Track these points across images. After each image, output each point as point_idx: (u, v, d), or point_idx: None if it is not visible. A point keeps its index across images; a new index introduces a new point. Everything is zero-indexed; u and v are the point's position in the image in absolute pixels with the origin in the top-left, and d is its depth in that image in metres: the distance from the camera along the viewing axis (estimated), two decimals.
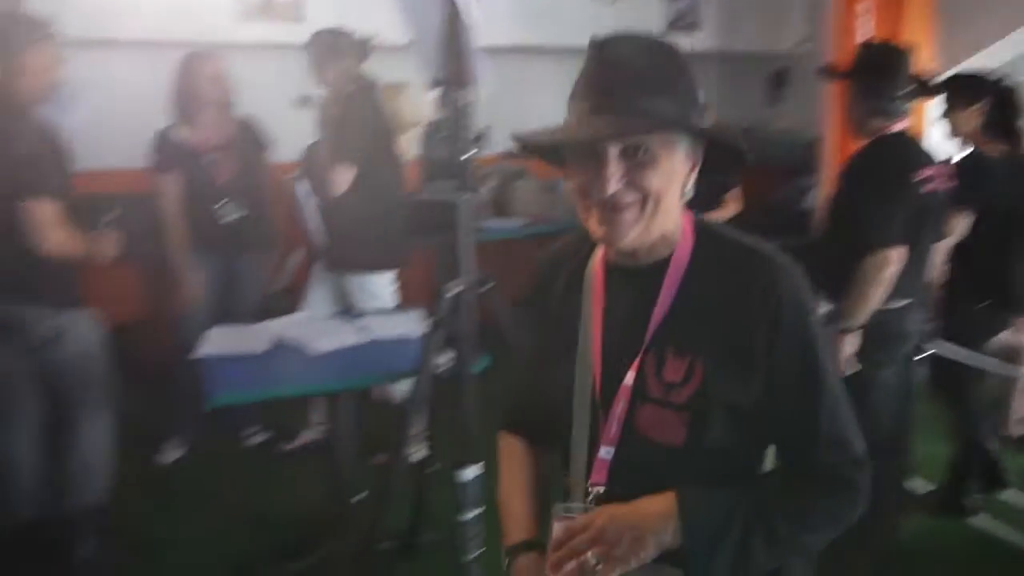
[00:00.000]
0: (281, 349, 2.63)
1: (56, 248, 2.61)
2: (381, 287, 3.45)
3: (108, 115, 3.62)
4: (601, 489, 1.20)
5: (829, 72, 2.96)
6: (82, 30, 3.49)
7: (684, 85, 1.14)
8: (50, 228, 2.59)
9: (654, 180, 1.13)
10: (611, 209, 1.13)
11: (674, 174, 1.15)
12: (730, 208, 4.05)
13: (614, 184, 1.12)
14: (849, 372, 2.57)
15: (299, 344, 2.63)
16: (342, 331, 2.75)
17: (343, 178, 3.22)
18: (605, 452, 1.21)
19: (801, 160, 5.08)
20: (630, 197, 1.13)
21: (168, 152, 3.45)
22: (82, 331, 2.76)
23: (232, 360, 2.52)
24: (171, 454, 3.66)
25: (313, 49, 3.33)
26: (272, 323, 2.82)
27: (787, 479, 1.23)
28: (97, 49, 3.78)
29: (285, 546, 2.87)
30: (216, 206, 3.47)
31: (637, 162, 1.12)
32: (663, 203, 1.14)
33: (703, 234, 1.22)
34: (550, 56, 4.75)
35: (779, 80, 6.01)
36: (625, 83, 1.11)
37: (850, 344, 2.59)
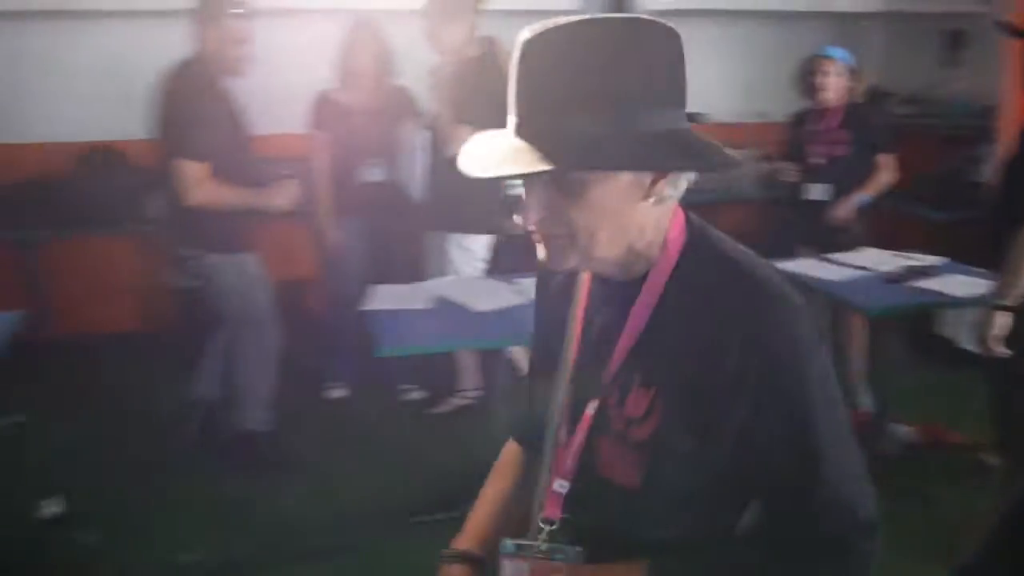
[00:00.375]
0: (444, 307, 2.80)
1: (201, 202, 2.92)
2: (477, 249, 3.50)
3: (286, 82, 3.87)
4: (553, 526, 1.10)
5: (1011, 29, 2.76)
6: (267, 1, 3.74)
7: (623, 92, 0.93)
8: (195, 185, 2.92)
9: (579, 215, 0.98)
10: (539, 239, 1.02)
11: (612, 201, 0.98)
12: (883, 177, 3.64)
13: (532, 217, 1.00)
14: (996, 355, 2.40)
15: (461, 303, 2.79)
16: (501, 292, 2.89)
17: (462, 139, 3.27)
18: (559, 485, 1.10)
19: (976, 128, 4.79)
20: (557, 230, 1.00)
21: (324, 112, 3.69)
22: (238, 271, 3.13)
23: (398, 315, 2.72)
24: (336, 392, 3.98)
25: (431, 12, 3.32)
26: (432, 283, 3.01)
27: (778, 545, 1.04)
28: (278, 18, 4.03)
29: (439, 493, 3.06)
30: (361, 167, 3.69)
31: (563, 192, 0.97)
32: (600, 235, 0.99)
33: (691, 249, 1.04)
34: (710, 19, 4.70)
35: (955, 42, 5.65)
36: (540, 98, 0.95)
37: (1000, 325, 2.40)
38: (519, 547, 1.10)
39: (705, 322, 0.99)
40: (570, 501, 1.10)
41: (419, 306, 2.80)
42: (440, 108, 3.35)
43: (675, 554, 1.05)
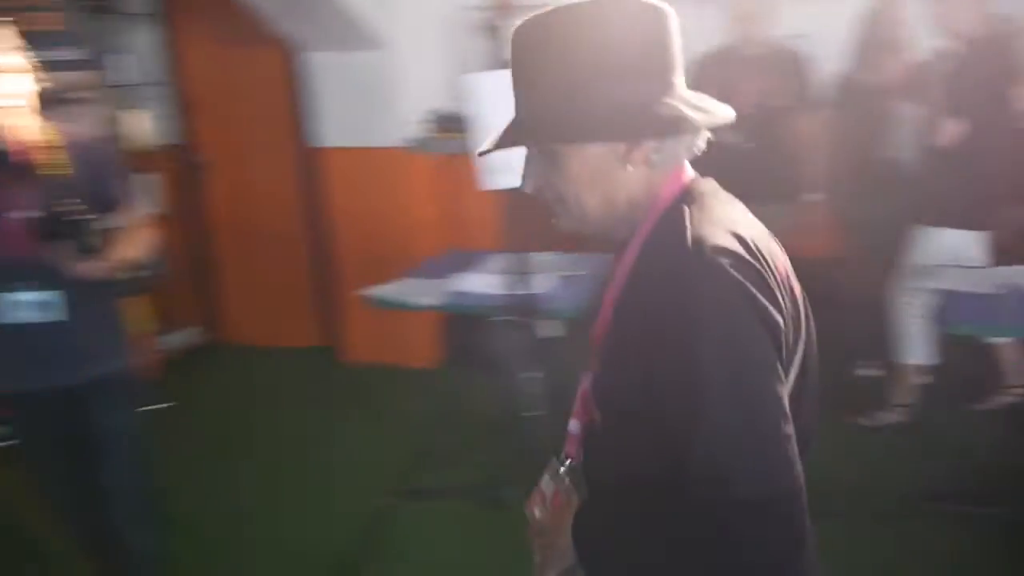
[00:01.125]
0: (1015, 294, 2.74)
1: None
2: (966, 247, 3.23)
3: None
4: (570, 462, 1.20)
5: None
6: None
7: (590, 71, 1.02)
8: None
9: (564, 183, 1.09)
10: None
11: (589, 170, 1.07)
12: None
13: (529, 185, 1.12)
14: None
15: None
16: None
17: (951, 132, 3.09)
18: (572, 425, 1.20)
19: None
20: (552, 195, 1.11)
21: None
22: None
23: (966, 297, 2.73)
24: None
25: None
26: (1001, 269, 2.93)
27: (664, 506, 1.02)
28: None
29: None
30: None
31: (548, 163, 1.09)
32: (586, 200, 1.09)
33: (672, 212, 1.06)
34: None
35: None
36: (523, 81, 1.08)
37: None
38: (555, 472, 1.21)
39: (639, 282, 1.05)
40: (583, 439, 1.19)
41: (987, 290, 2.78)
42: (935, 95, 3.19)
43: (594, 500, 1.14)
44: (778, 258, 1.08)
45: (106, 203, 2.17)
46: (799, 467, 0.97)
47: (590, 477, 1.16)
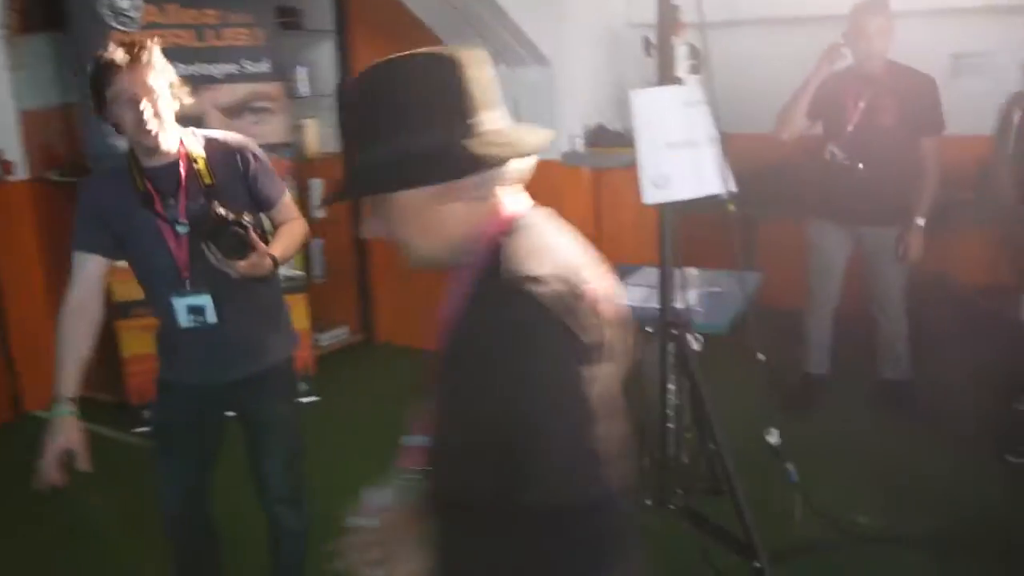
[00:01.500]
0: None
1: None
2: None
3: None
4: (412, 474, 1.26)
5: None
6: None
7: (386, 124, 1.12)
8: None
9: (392, 225, 1.17)
10: None
11: (411, 213, 1.15)
12: None
13: (368, 230, 1.21)
14: None
15: None
16: None
17: None
18: (416, 439, 1.27)
19: None
20: (391, 237, 1.19)
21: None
22: None
23: None
24: None
25: None
26: None
27: (488, 516, 1.16)
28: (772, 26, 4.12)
29: None
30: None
31: (379, 209, 1.17)
32: (416, 239, 1.18)
33: (503, 244, 1.15)
34: None
35: None
36: (343, 136, 1.21)
37: None
38: (383, 487, 1.28)
39: (468, 309, 1.14)
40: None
41: None
42: None
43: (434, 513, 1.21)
44: (588, 283, 1.15)
45: (263, 204, 2.30)
46: (612, 468, 1.12)
47: (431, 490, 1.24)
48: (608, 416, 1.12)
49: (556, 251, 1.16)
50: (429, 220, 1.15)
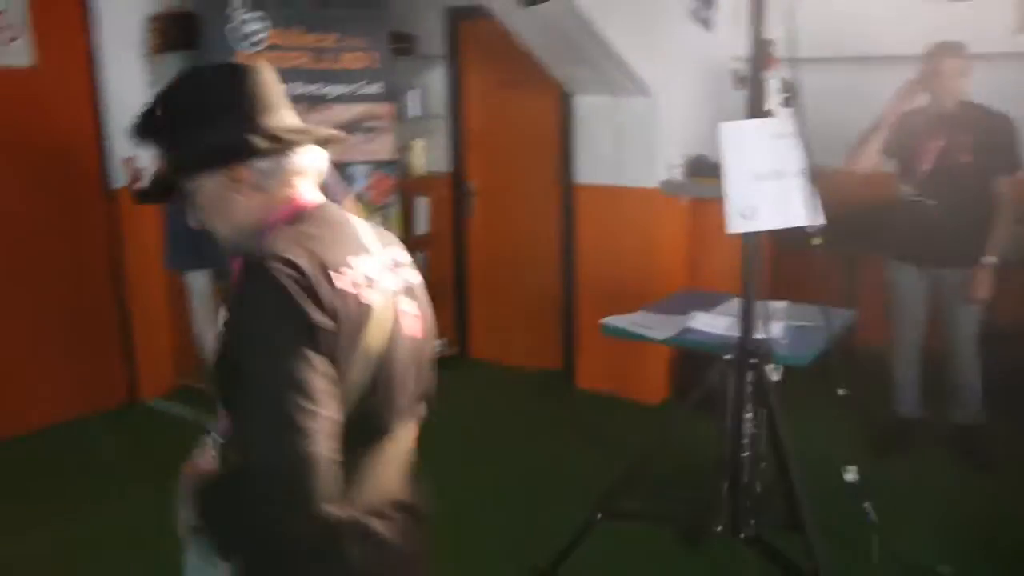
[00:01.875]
0: None
1: None
2: None
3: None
4: (217, 436, 1.39)
5: None
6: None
7: (180, 120, 1.31)
8: None
9: (200, 213, 1.35)
10: None
11: (210, 199, 1.33)
12: None
13: (191, 219, 1.38)
14: None
15: None
16: None
17: None
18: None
19: None
20: (204, 225, 1.36)
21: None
22: None
23: None
24: None
25: None
26: None
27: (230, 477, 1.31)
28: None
29: None
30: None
31: (192, 198, 1.35)
32: (216, 223, 1.35)
33: (282, 230, 1.29)
34: None
35: None
36: (154, 137, 1.35)
37: None
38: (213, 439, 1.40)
39: (238, 283, 1.25)
40: None
41: None
42: None
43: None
44: (346, 274, 1.25)
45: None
46: (315, 444, 1.14)
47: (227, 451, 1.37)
48: (339, 406, 1.20)
49: (324, 241, 1.28)
50: (226, 207, 1.33)
